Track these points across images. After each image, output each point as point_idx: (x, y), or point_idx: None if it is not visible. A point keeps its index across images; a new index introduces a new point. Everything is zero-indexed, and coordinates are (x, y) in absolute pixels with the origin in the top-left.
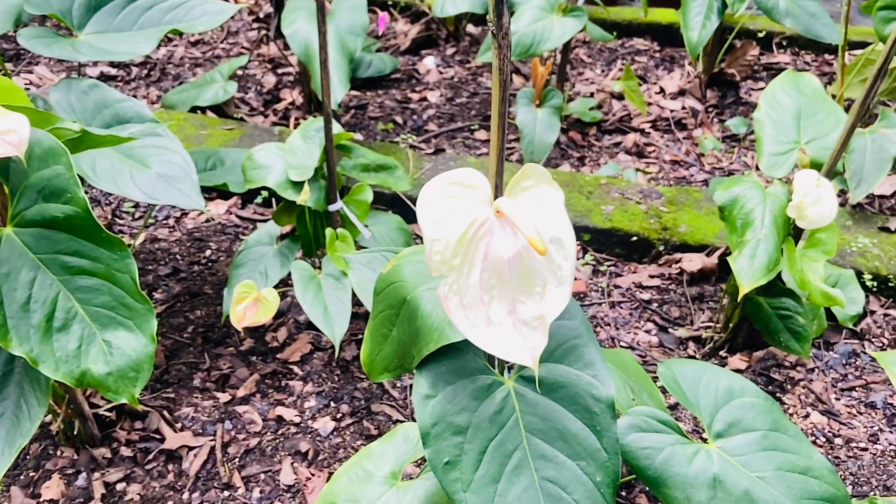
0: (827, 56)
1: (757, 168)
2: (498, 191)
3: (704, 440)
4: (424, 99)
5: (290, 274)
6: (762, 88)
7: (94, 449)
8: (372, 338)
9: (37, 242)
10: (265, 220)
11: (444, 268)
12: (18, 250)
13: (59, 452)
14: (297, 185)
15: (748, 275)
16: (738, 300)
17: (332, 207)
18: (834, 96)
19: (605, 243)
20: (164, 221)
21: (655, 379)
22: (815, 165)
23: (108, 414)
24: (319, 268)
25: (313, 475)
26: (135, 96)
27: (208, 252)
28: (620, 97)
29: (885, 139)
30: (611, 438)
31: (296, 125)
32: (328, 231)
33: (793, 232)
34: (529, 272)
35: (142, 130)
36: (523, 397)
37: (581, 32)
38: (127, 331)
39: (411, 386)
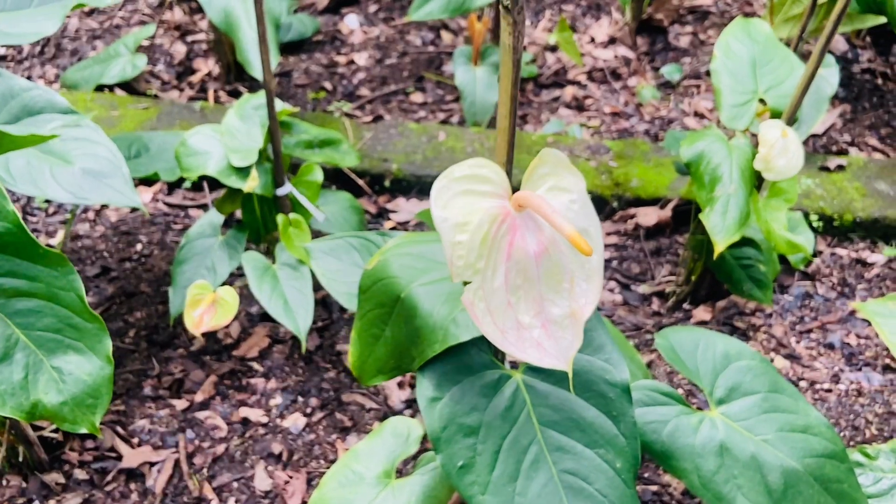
0: None
1: (696, 114)
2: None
3: (699, 409)
4: (352, 62)
5: (239, 266)
6: (690, 33)
7: (44, 474)
8: (360, 339)
9: None
10: (198, 207)
11: (468, 272)
12: None
13: (4, 482)
14: (241, 171)
15: (722, 231)
16: (714, 256)
17: (280, 191)
18: None
19: None
20: (83, 216)
21: (631, 341)
22: (775, 114)
23: (53, 435)
24: (270, 256)
25: (291, 477)
26: (29, 77)
27: (139, 246)
28: (553, 49)
29: (821, 79)
30: (628, 423)
31: (216, 99)
32: (280, 217)
33: (756, 182)
34: (557, 268)
35: (62, 123)
36: (533, 389)
37: None
38: (78, 354)
39: None
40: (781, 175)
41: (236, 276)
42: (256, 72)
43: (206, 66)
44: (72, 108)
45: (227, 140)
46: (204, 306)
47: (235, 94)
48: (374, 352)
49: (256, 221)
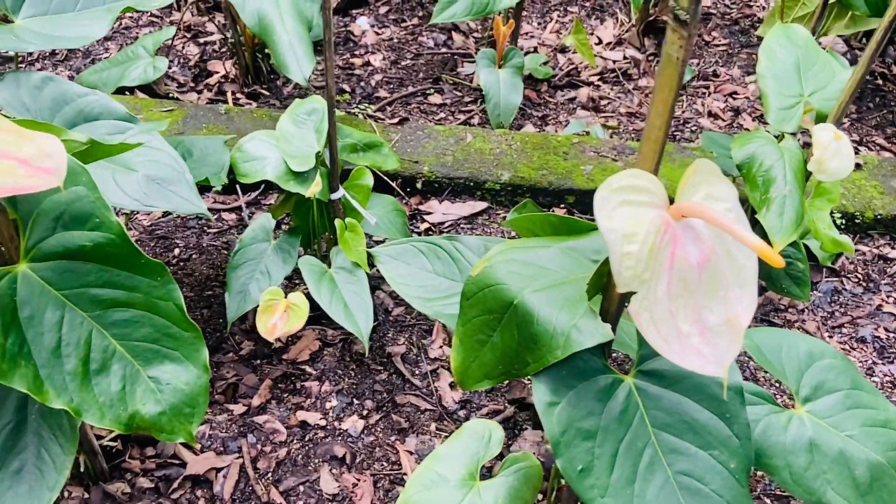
0: None
1: (710, 114)
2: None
3: (786, 406)
4: (368, 63)
5: (292, 271)
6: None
7: (108, 484)
8: (464, 345)
9: (59, 277)
10: (229, 210)
11: (635, 283)
12: (39, 288)
13: (66, 493)
14: (299, 176)
15: (780, 232)
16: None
17: (334, 196)
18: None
19: (588, 204)
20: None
21: None
22: (820, 117)
23: (112, 444)
24: (325, 260)
25: (358, 480)
26: None
27: (176, 251)
28: (562, 50)
29: None
30: (742, 424)
31: (234, 101)
32: (337, 222)
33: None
34: (716, 276)
35: (129, 130)
36: (645, 392)
37: None
38: (175, 363)
39: (433, 371)
40: (834, 176)
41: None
42: (294, 74)
43: (222, 67)
44: (129, 114)
45: (283, 145)
46: (277, 313)
47: (254, 97)
48: (478, 357)
49: (308, 225)
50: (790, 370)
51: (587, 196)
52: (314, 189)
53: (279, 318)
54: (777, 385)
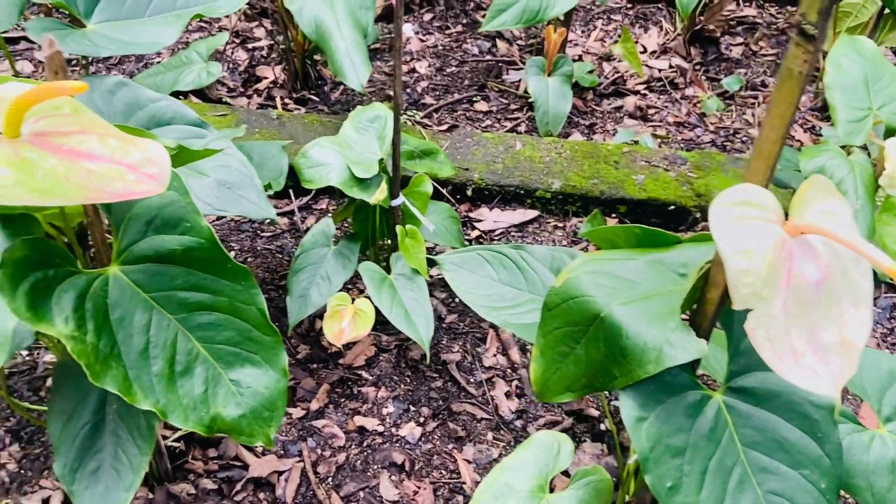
0: (790, 7)
1: (760, 125)
2: None
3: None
4: (414, 70)
5: (351, 276)
6: (741, 44)
7: (172, 484)
8: (545, 356)
9: (149, 280)
10: (282, 214)
11: (753, 300)
12: (129, 291)
13: None
14: (362, 182)
15: None
16: None
17: (394, 202)
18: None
19: (641, 214)
20: None
21: None
22: (889, 131)
23: (176, 444)
24: (383, 265)
25: (418, 488)
26: None
27: (231, 254)
28: (607, 59)
29: None
30: (833, 444)
31: (283, 106)
32: (398, 229)
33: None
34: (832, 294)
35: (199, 134)
36: (735, 410)
37: None
38: (255, 367)
39: (488, 380)
40: None
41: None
42: (350, 81)
43: (271, 73)
44: (200, 119)
45: (347, 152)
46: (346, 318)
47: (302, 102)
48: (560, 369)
49: (367, 231)
50: (872, 389)
51: (639, 206)
52: (379, 196)
53: (347, 323)
54: (851, 401)
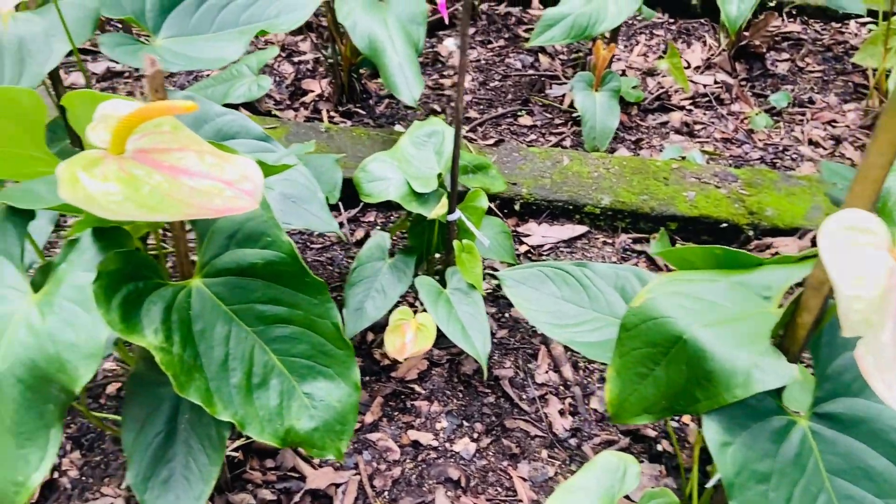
0: (834, 24)
1: (810, 142)
2: None
3: None
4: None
5: (406, 290)
6: (787, 60)
7: (231, 494)
8: (622, 377)
9: (229, 293)
10: None
11: (862, 327)
12: (211, 304)
13: None
14: (421, 197)
15: None
16: None
17: (451, 217)
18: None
19: (692, 231)
20: None
21: None
22: None
23: (234, 454)
24: (436, 278)
25: None
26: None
27: None
28: (651, 73)
29: None
30: None
31: (329, 119)
32: (455, 243)
33: None
34: None
35: (265, 148)
36: (820, 436)
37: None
38: (328, 380)
39: (541, 397)
40: None
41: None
42: (403, 96)
43: (317, 86)
44: (265, 133)
45: (405, 167)
46: (409, 332)
47: (348, 115)
48: (638, 391)
49: (422, 245)
50: None
51: (690, 223)
52: (438, 211)
53: (410, 338)
54: None
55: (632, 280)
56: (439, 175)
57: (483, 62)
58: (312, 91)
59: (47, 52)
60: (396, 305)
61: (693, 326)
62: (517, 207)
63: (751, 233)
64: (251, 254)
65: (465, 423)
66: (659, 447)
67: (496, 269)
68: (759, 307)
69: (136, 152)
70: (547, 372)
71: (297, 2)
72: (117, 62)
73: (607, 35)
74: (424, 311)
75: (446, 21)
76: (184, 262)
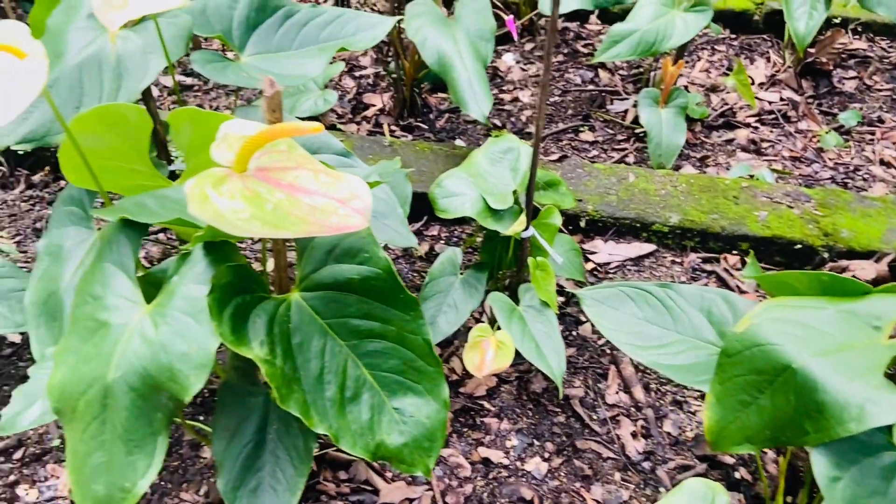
0: None
1: (881, 162)
2: None
3: None
4: (517, 99)
5: (478, 306)
6: (855, 77)
7: None
8: (722, 404)
9: (325, 307)
10: None
11: None
12: (308, 317)
13: None
14: (495, 213)
15: None
16: None
17: (525, 234)
18: None
19: (764, 252)
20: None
21: None
22: None
23: None
24: (506, 293)
25: None
26: (216, 108)
27: None
28: (714, 89)
29: None
30: None
31: (390, 133)
32: (530, 260)
33: None
34: None
35: (345, 164)
36: None
37: None
38: (417, 396)
39: (612, 418)
40: None
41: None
42: (472, 111)
43: (379, 100)
44: (346, 149)
45: (480, 183)
46: (490, 349)
47: (409, 129)
48: (739, 419)
49: (493, 261)
50: None
51: (763, 244)
52: (516, 228)
53: (491, 356)
54: None
55: (718, 303)
56: (514, 192)
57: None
58: (374, 105)
59: (144, 68)
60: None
61: (803, 355)
62: (582, 224)
63: (826, 255)
64: (348, 269)
65: (536, 442)
66: (737, 475)
67: (561, 287)
68: (869, 337)
69: (257, 170)
70: (617, 392)
71: (374, 20)
72: (188, 76)
73: (672, 51)
74: (499, 328)
75: (515, 38)
76: (283, 276)
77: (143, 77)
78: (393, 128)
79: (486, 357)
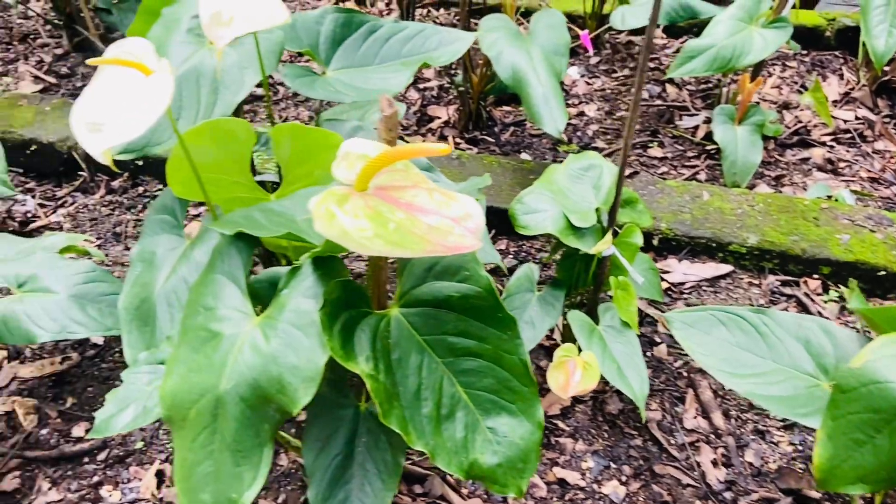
0: None
1: None
2: None
3: None
4: (582, 113)
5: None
6: None
7: None
8: (834, 441)
9: (423, 323)
10: None
11: None
12: (407, 333)
13: None
14: (577, 231)
15: None
16: None
17: (606, 252)
18: None
19: (845, 277)
20: (348, 257)
21: None
22: None
23: None
24: (580, 309)
25: None
26: (285, 119)
27: None
28: (786, 106)
29: None
30: None
31: (456, 146)
32: (612, 280)
33: None
34: None
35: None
36: None
37: None
38: (511, 416)
39: (691, 444)
40: None
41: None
42: (548, 127)
43: (443, 112)
44: (430, 164)
45: (562, 200)
46: (577, 370)
47: (474, 142)
48: (853, 458)
49: (571, 279)
50: None
51: (845, 268)
52: (601, 247)
53: (578, 377)
54: None
55: (817, 332)
56: (597, 209)
57: (608, 91)
58: (439, 118)
59: (240, 82)
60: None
61: None
62: (655, 242)
63: None
64: (447, 287)
65: (613, 465)
66: None
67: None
68: None
69: (377, 189)
70: (696, 417)
71: (455, 35)
72: (258, 86)
73: (748, 68)
74: (580, 348)
75: (591, 53)
76: (382, 292)
77: (238, 90)
78: (458, 140)
79: (572, 378)
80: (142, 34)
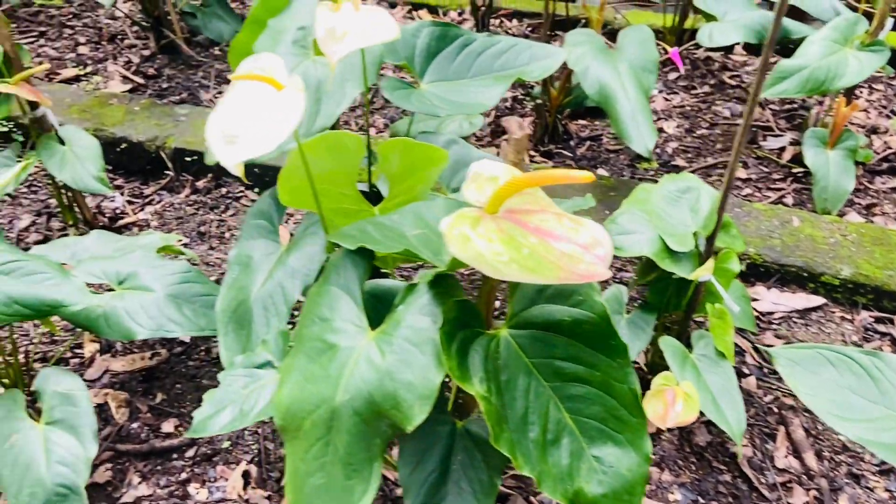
0: None
1: None
2: None
3: None
4: (661, 129)
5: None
6: None
7: None
8: None
9: (532, 346)
10: None
11: None
12: (515, 355)
13: None
14: (674, 255)
15: None
16: None
17: (702, 278)
18: None
19: None
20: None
21: None
22: None
23: None
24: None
25: None
26: (360, 127)
27: None
28: (875, 131)
29: None
30: None
31: (530, 159)
32: (709, 307)
33: None
34: None
35: None
36: None
37: None
38: (617, 446)
39: (783, 484)
40: None
41: None
42: (636, 145)
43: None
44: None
45: (657, 222)
46: (678, 401)
47: (548, 155)
48: None
49: (662, 303)
50: None
51: None
52: (700, 273)
53: (679, 408)
54: None
55: None
56: (695, 234)
57: (688, 108)
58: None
59: (341, 94)
60: None
61: None
62: (743, 268)
63: None
64: (559, 310)
65: (701, 500)
66: None
67: None
68: None
69: (507, 212)
70: (787, 456)
71: (547, 51)
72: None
73: (840, 91)
74: (667, 371)
75: (681, 70)
76: (490, 312)
77: (340, 102)
78: (532, 153)
79: (671, 408)
80: (248, 44)
